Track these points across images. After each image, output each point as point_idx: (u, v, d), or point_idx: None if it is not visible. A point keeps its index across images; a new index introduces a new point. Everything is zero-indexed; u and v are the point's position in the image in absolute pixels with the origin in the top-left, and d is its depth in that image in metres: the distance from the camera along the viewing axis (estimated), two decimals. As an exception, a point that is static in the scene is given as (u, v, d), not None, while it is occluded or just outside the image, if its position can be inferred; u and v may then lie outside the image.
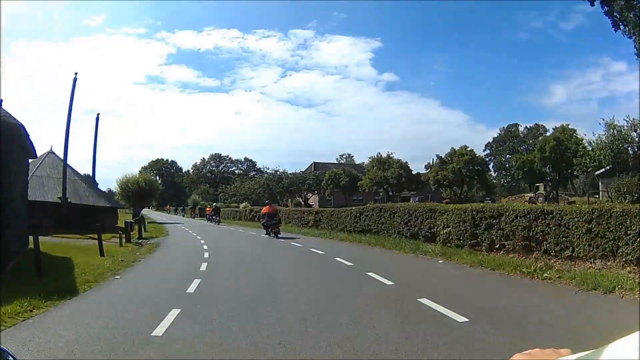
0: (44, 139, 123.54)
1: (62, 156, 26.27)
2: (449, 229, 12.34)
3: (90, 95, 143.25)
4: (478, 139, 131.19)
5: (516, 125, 79.63)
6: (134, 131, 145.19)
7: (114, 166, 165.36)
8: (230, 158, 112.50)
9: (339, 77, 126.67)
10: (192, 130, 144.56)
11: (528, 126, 78.35)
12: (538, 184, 42.85)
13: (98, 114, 35.17)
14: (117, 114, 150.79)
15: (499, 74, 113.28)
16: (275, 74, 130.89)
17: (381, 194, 48.12)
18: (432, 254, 11.87)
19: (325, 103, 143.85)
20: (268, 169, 57.85)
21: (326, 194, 51.47)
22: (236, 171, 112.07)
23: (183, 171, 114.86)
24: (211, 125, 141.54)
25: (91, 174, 33.22)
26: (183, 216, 62.83)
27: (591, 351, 0.59)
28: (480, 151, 57.72)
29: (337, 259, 12.12)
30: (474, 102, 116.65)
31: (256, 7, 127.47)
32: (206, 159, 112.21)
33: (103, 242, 13.45)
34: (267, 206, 23.07)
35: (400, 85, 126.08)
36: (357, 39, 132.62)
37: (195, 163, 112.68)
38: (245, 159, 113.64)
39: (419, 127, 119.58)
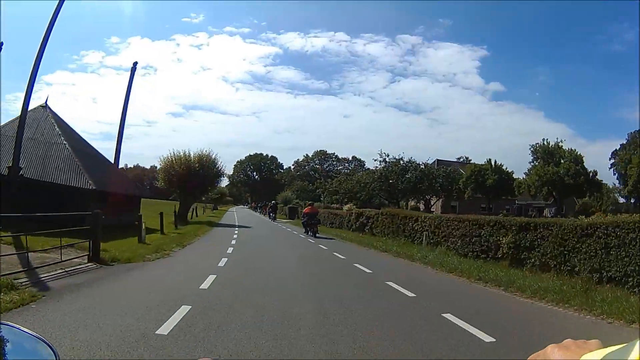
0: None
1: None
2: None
3: (192, 92, 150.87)
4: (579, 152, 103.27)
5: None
6: (239, 129, 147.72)
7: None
8: (336, 156, 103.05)
9: (447, 85, 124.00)
10: (299, 132, 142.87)
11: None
12: None
13: (135, 62, 27.31)
14: (220, 110, 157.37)
15: (595, 86, 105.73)
16: (384, 79, 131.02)
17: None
18: None
19: (433, 110, 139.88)
20: (387, 155, 36.50)
21: (466, 196, 36.52)
22: (342, 170, 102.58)
23: (284, 168, 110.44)
24: (319, 128, 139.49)
25: (115, 147, 24.90)
26: (261, 214, 53.22)
27: (624, 345, 0.57)
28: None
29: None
30: (575, 114, 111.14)
31: (363, 11, 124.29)
32: (310, 156, 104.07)
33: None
34: (310, 207, 24.12)
35: (506, 95, 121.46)
36: (463, 47, 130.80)
37: (298, 160, 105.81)
38: (354, 157, 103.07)
39: (523, 139, 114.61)
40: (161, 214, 21.32)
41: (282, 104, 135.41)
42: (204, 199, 42.99)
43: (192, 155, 28.48)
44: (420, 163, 36.26)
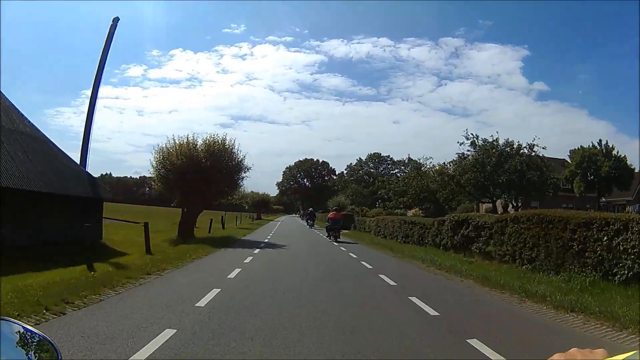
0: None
1: None
2: None
3: (239, 102, 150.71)
4: (621, 150, 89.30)
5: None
6: (289, 138, 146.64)
7: (260, 177, 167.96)
8: (391, 158, 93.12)
9: (493, 87, 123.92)
10: (349, 139, 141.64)
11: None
12: None
13: (116, 19, 19.72)
14: (269, 120, 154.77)
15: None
16: (431, 83, 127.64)
17: None
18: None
19: (481, 113, 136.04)
20: (476, 136, 25.86)
21: (577, 191, 25.69)
22: (399, 174, 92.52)
23: (337, 174, 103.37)
24: (369, 135, 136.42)
25: (84, 131, 16.98)
26: (305, 221, 45.58)
27: (629, 353, 0.60)
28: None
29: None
30: (617, 111, 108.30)
31: (403, 15, 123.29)
32: (363, 159, 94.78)
33: None
34: (334, 212, 24.83)
35: (550, 94, 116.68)
36: (504, 47, 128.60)
37: (351, 164, 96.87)
38: (410, 159, 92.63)
39: (568, 138, 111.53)
40: (146, 225, 13.93)
41: (331, 112, 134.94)
42: (232, 202, 33.35)
43: (199, 143, 19.84)
44: (524, 145, 24.84)
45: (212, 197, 21.88)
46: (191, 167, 18.66)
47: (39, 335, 1.01)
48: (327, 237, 23.09)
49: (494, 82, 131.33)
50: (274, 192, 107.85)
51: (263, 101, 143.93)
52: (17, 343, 0.97)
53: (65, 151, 15.97)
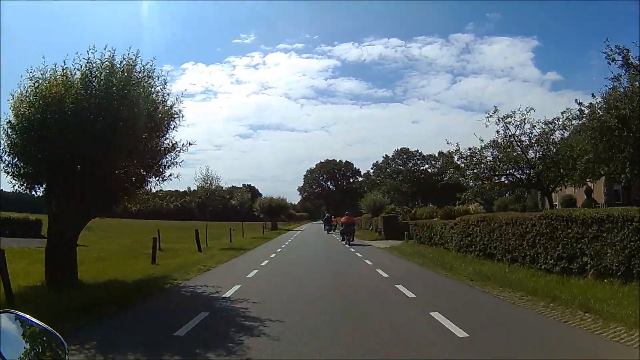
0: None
1: None
2: None
3: (256, 111, 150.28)
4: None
5: None
6: (309, 145, 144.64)
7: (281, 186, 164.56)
8: (420, 153, 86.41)
9: (507, 80, 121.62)
10: (369, 142, 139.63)
11: None
12: None
13: None
14: (288, 128, 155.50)
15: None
16: (445, 80, 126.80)
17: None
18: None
19: (498, 107, 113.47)
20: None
21: None
22: (429, 169, 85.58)
23: (362, 175, 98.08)
24: (390, 137, 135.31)
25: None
26: (326, 229, 39.06)
27: None
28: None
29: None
30: None
31: (411, 13, 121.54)
32: (390, 156, 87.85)
33: None
34: (346, 217, 25.44)
35: (564, 84, 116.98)
36: (514, 39, 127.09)
37: (377, 162, 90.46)
38: (440, 153, 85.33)
39: None
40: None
41: (349, 116, 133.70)
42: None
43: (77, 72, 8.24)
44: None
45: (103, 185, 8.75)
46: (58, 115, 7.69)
47: (45, 327, 0.99)
48: (341, 240, 23.95)
49: (507, 75, 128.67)
50: (297, 201, 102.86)
51: (280, 109, 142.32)
52: (21, 335, 0.96)
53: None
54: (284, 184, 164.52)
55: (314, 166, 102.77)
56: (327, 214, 45.66)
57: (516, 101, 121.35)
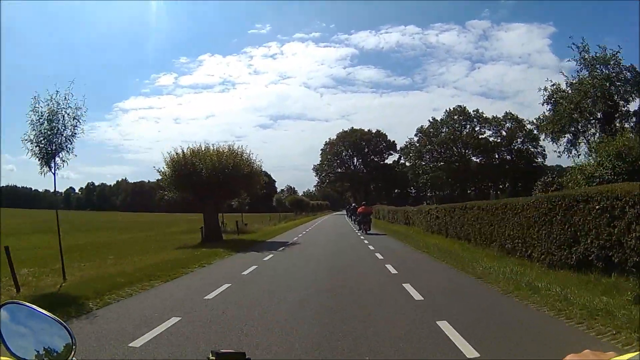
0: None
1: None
2: None
3: (276, 102, 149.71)
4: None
5: None
6: (331, 134, 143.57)
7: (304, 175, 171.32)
8: (481, 114, 65.24)
9: (525, 67, 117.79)
10: (392, 130, 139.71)
11: None
12: None
13: None
14: (308, 117, 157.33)
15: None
16: (464, 67, 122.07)
17: None
18: None
19: (517, 94, 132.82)
20: None
21: None
22: (490, 138, 66.15)
23: (397, 147, 74.46)
24: (412, 125, 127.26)
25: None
26: (354, 221, 31.05)
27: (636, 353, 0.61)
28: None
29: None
30: None
31: (427, 0, 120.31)
32: (440, 120, 66.70)
33: None
34: (363, 207, 25.69)
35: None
36: (531, 25, 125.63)
37: (422, 126, 67.43)
38: (507, 114, 64.58)
39: None
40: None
41: (369, 104, 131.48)
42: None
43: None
44: None
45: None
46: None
47: (53, 318, 0.97)
48: (357, 230, 24.91)
49: (525, 62, 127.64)
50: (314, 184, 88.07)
51: (300, 99, 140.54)
52: (28, 327, 0.95)
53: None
54: (306, 174, 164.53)
55: (334, 137, 77.84)
56: (352, 204, 41.17)
57: (535, 88, 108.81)
